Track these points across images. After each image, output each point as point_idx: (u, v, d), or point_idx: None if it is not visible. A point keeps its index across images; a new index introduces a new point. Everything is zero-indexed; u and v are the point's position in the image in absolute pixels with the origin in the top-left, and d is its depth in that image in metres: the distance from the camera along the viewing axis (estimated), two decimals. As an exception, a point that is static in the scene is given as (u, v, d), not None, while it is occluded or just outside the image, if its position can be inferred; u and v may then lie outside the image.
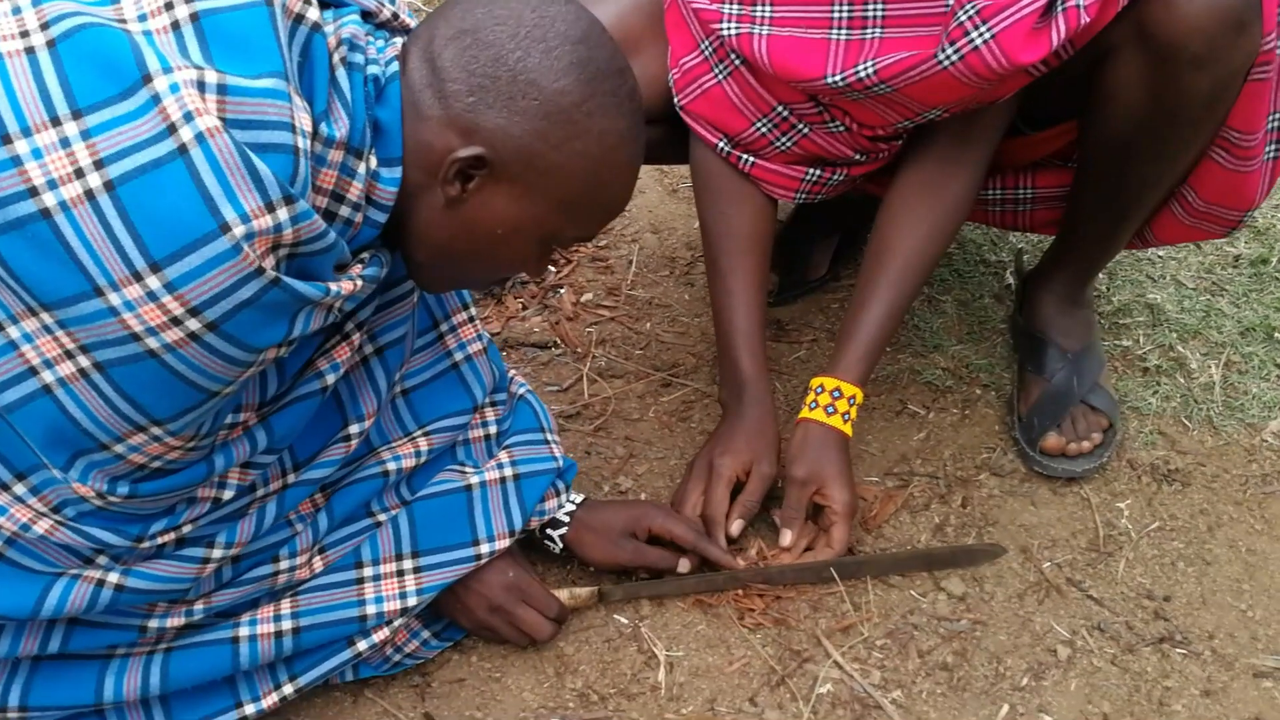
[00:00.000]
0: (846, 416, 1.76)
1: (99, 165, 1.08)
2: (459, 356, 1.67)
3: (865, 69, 1.62)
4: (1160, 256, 2.37)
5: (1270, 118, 1.71)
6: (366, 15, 1.35)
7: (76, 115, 1.09)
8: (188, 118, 1.09)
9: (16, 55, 1.10)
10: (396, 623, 1.54)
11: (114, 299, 1.10)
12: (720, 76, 1.77)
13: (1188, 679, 1.63)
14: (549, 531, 1.71)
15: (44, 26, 1.11)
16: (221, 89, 1.12)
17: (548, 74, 1.25)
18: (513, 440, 1.69)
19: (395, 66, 1.29)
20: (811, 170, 1.84)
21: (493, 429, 1.69)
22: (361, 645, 1.53)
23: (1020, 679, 1.63)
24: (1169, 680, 1.63)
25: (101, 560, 1.35)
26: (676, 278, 2.36)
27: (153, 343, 1.12)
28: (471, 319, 1.69)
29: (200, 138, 1.09)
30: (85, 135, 1.09)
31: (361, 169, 1.25)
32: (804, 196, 1.88)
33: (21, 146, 1.08)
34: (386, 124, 1.27)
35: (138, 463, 1.24)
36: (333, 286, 1.23)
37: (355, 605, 1.52)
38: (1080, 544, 1.82)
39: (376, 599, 1.53)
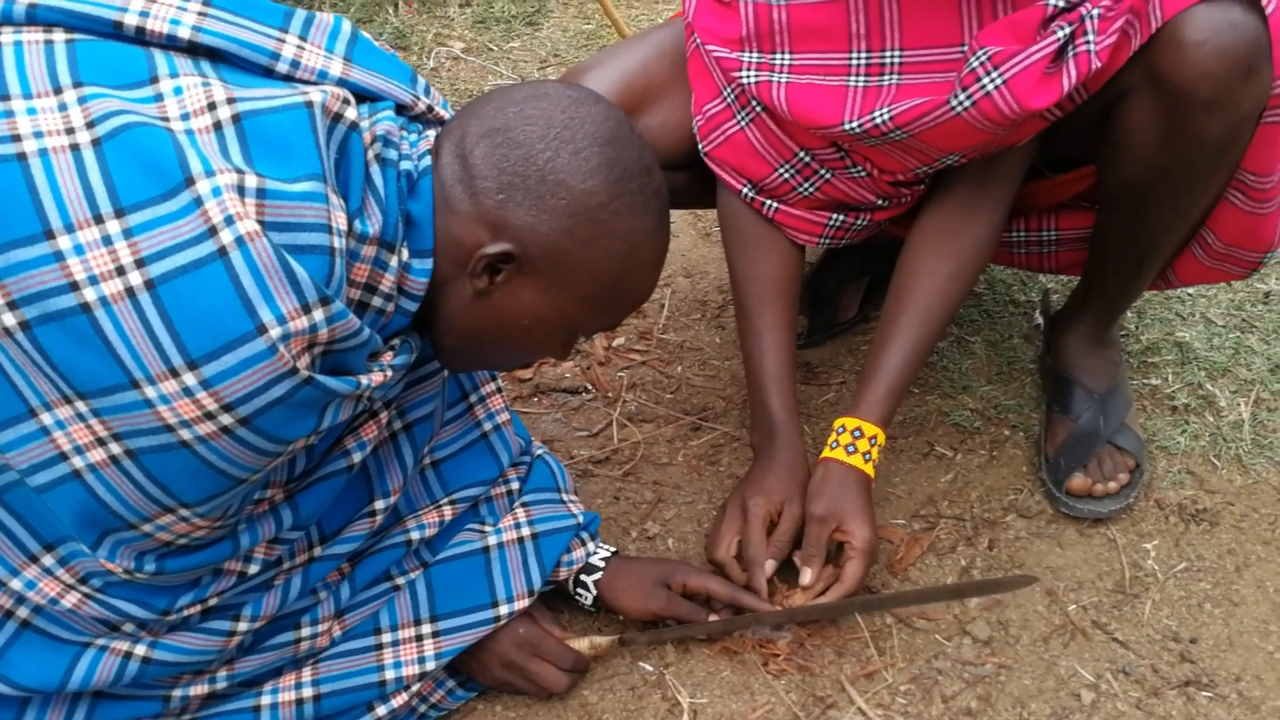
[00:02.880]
0: (868, 456, 1.77)
1: (140, 264, 1.12)
2: (488, 426, 1.70)
3: (881, 115, 1.64)
4: (1190, 294, 2.37)
5: None
6: (401, 109, 1.39)
7: (119, 214, 1.12)
8: (228, 221, 1.12)
9: (62, 152, 1.14)
10: (415, 687, 1.57)
11: (150, 392, 1.13)
12: (743, 123, 1.80)
13: (1213, 722, 1.64)
14: (583, 578, 1.72)
15: (90, 125, 1.15)
16: (261, 193, 1.15)
17: (576, 174, 1.29)
18: (529, 498, 1.71)
19: (428, 160, 1.33)
20: (835, 215, 1.87)
21: (514, 485, 1.72)
22: (381, 711, 1.56)
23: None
24: (1194, 724, 1.63)
25: (128, 628, 1.38)
26: (708, 321, 2.39)
27: (185, 434, 1.16)
28: (499, 390, 1.73)
29: (240, 241, 1.12)
30: (127, 234, 1.12)
31: (394, 262, 1.29)
32: (828, 242, 1.90)
33: (64, 242, 1.11)
34: (418, 217, 1.31)
35: (164, 540, 1.28)
36: (363, 380, 1.27)
37: (374, 671, 1.55)
38: (1106, 586, 1.83)
39: (395, 664, 1.56)
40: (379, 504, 1.54)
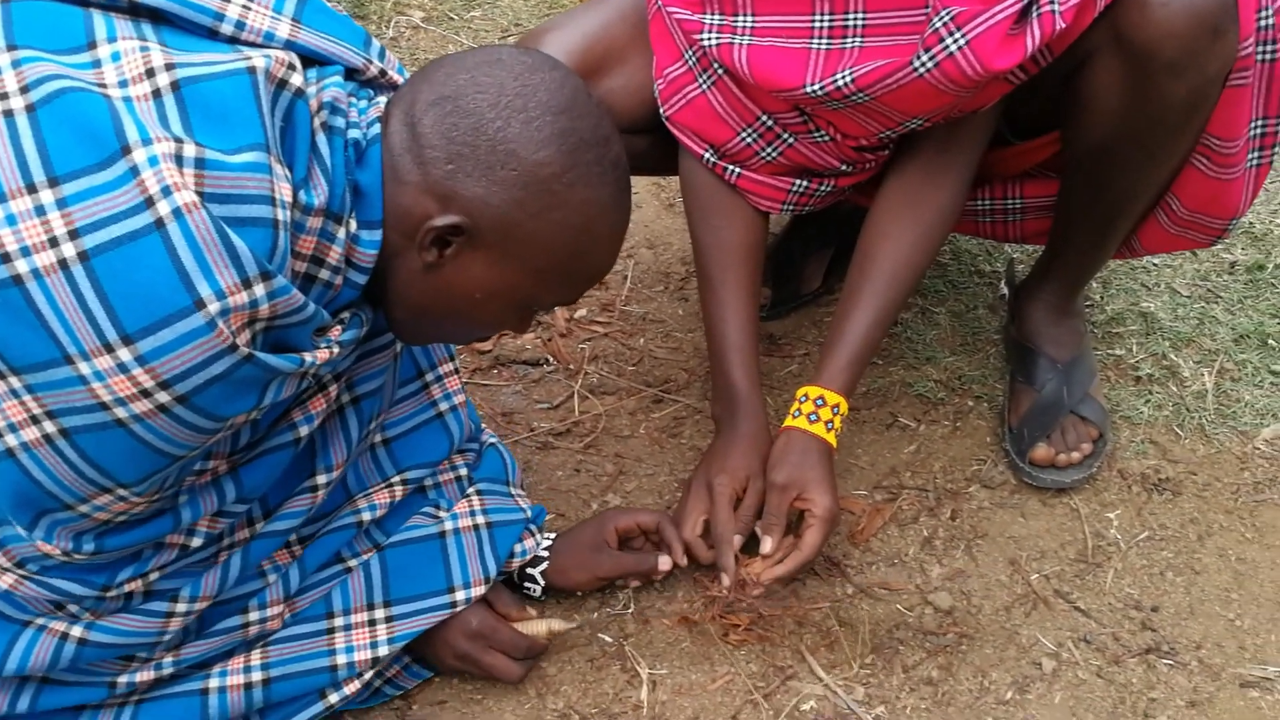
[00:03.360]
0: (830, 425, 1.75)
1: (74, 235, 1.08)
2: (444, 406, 1.67)
3: (843, 77, 1.62)
4: (1155, 264, 2.36)
5: (1251, 124, 1.70)
6: (352, 72, 1.35)
7: (53, 183, 1.09)
8: (165, 192, 1.09)
9: None
10: (368, 674, 1.53)
11: (84, 368, 1.10)
12: (704, 86, 1.77)
13: (1173, 690, 1.63)
14: (529, 571, 1.70)
15: (24, 90, 1.11)
16: (200, 163, 1.12)
17: (528, 144, 1.25)
18: (483, 486, 1.68)
19: (377, 128, 1.29)
20: (798, 181, 1.84)
21: (463, 471, 1.69)
22: (333, 698, 1.53)
23: (1005, 693, 1.62)
24: (1154, 692, 1.62)
25: (72, 608, 1.35)
26: (671, 293, 2.36)
27: (121, 413, 1.12)
28: (456, 370, 1.69)
29: (178, 213, 1.09)
30: (61, 204, 1.08)
31: (341, 233, 1.25)
32: (791, 208, 1.88)
33: None
34: (367, 187, 1.27)
35: (102, 519, 1.25)
36: (307, 357, 1.23)
37: (325, 655, 1.52)
38: (1069, 555, 1.82)
39: (347, 649, 1.52)
40: (321, 478, 1.50)
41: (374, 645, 1.52)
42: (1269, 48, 1.62)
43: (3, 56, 1.13)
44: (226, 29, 1.26)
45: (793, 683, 1.64)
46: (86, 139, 1.10)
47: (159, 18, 1.24)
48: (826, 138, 1.77)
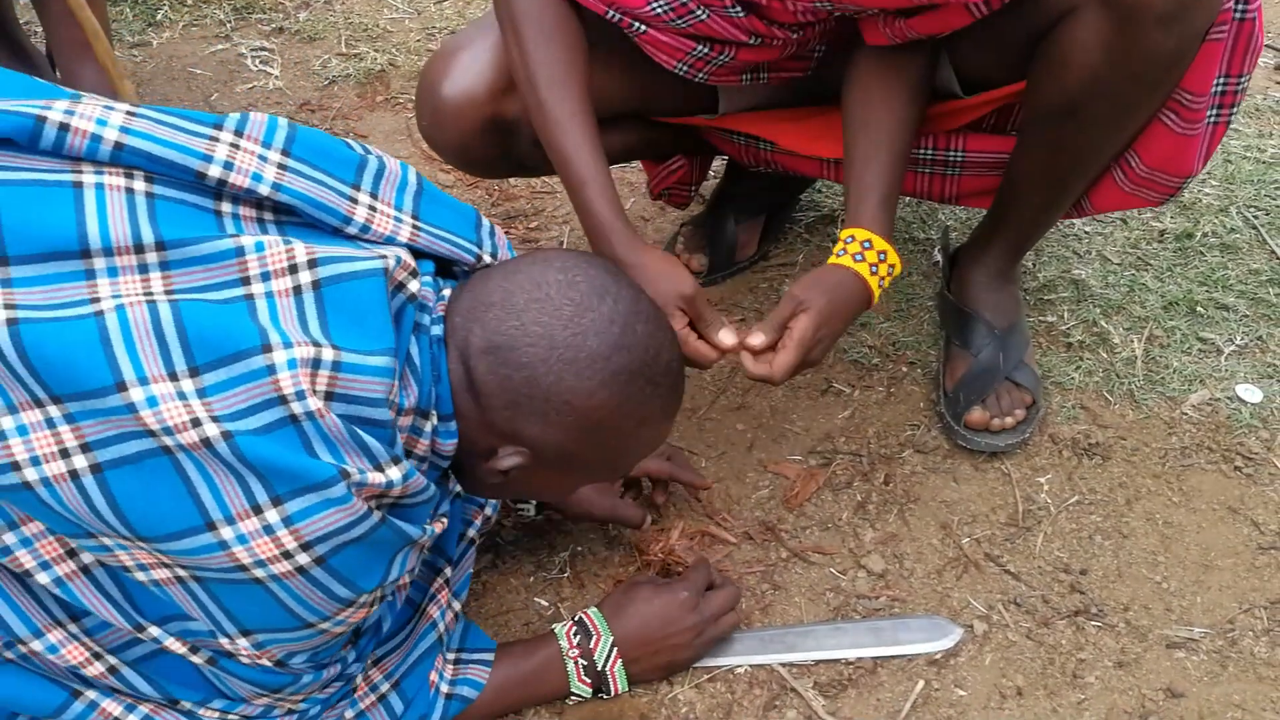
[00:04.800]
0: (882, 283, 1.70)
1: (215, 420, 1.11)
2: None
3: None
4: (1086, 232, 2.39)
5: (1216, 81, 1.71)
6: (448, 266, 1.41)
7: (194, 373, 1.12)
8: (299, 396, 1.13)
9: (137, 304, 1.12)
10: None
11: (227, 533, 1.13)
12: None
13: (1101, 651, 1.65)
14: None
15: (165, 265, 1.15)
16: (336, 366, 1.16)
17: (581, 394, 1.29)
18: None
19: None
20: (699, 46, 1.79)
21: None
22: None
23: (935, 654, 1.64)
24: (1083, 653, 1.64)
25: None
26: (607, 259, 2.35)
27: (259, 573, 1.16)
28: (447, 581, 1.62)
29: (310, 415, 1.14)
30: (201, 394, 1.12)
31: (428, 427, 1.29)
32: (684, 70, 1.83)
33: (136, 394, 1.10)
34: (441, 389, 1.31)
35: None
36: (427, 527, 1.30)
37: None
38: (1000, 519, 1.84)
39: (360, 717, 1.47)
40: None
41: (387, 705, 1.48)
42: (1243, 5, 1.62)
43: (152, 255, 1.16)
44: (351, 231, 1.30)
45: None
46: (226, 340, 1.13)
47: (287, 213, 1.28)
48: (740, 13, 1.72)
